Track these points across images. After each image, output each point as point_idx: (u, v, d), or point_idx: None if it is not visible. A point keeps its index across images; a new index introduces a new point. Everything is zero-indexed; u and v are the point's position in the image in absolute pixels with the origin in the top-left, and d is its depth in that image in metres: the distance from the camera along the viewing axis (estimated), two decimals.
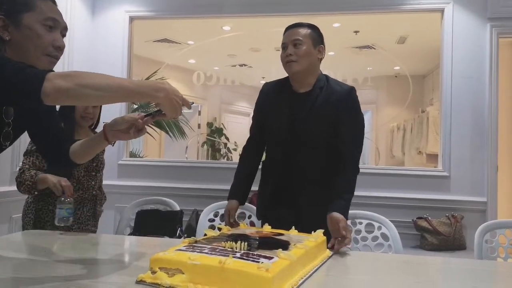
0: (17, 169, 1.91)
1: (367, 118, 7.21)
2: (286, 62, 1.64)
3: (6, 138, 1.14)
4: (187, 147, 3.93)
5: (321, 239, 1.33)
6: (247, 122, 6.73)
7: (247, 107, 7.06)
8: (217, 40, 4.10)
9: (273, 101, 1.73)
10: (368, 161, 5.25)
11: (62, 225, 1.71)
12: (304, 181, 1.66)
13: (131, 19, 3.40)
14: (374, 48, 4.65)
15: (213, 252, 1.04)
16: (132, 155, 3.68)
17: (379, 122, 6.27)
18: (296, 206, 1.65)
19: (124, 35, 3.37)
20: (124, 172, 3.34)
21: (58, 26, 1.09)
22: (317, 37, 1.68)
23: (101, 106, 2.14)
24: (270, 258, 1.01)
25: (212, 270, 0.95)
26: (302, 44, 1.62)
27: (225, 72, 5.47)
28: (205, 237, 1.25)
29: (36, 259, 1.22)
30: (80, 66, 3.25)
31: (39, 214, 1.91)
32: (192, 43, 4.47)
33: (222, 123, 6.60)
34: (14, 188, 1.89)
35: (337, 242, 1.41)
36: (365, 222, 1.99)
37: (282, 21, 3.39)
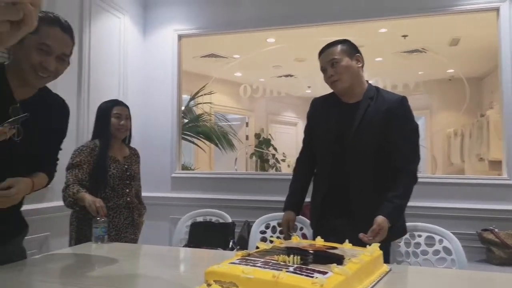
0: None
1: (420, 124, 6.92)
2: (331, 83, 1.70)
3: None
4: (236, 159, 3.98)
5: (377, 253, 1.28)
6: (294, 131, 6.71)
7: (294, 117, 7.04)
8: (262, 53, 4.14)
9: (323, 113, 1.77)
10: (423, 169, 5.01)
11: (99, 243, 1.78)
12: (357, 190, 1.63)
13: (180, 37, 3.53)
14: (425, 52, 4.47)
15: (266, 266, 1.03)
16: (184, 167, 3.79)
17: (434, 128, 5.98)
18: (351, 216, 1.62)
19: (174, 52, 3.50)
20: (177, 184, 3.43)
21: (52, 52, 1.23)
22: (350, 49, 1.71)
23: (130, 119, 2.26)
24: (324, 273, 0.98)
25: (265, 284, 0.94)
26: (339, 61, 1.66)
27: (271, 83, 5.50)
28: (257, 250, 1.25)
29: (93, 272, 1.28)
30: (134, 83, 3.42)
31: (80, 223, 2.09)
32: (238, 56, 4.55)
33: (270, 134, 6.63)
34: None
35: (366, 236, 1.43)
36: (424, 234, 1.89)
37: (326, 30, 3.39)
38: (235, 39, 3.77)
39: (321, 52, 1.74)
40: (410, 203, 2.80)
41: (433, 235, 1.88)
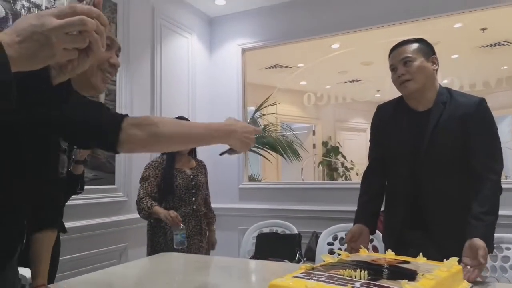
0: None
1: (506, 124, 6.33)
2: (400, 83, 1.53)
3: (63, 166, 1.23)
4: (302, 168, 3.94)
5: (456, 268, 1.15)
6: (364, 138, 6.47)
7: (363, 123, 6.81)
8: (327, 59, 4.08)
9: (391, 123, 1.62)
10: (510, 175, 4.52)
11: (180, 247, 2.08)
12: (435, 203, 1.50)
13: (243, 51, 3.61)
14: (508, 44, 4.07)
15: (331, 281, 0.98)
16: (251, 179, 3.84)
17: None
18: (428, 229, 1.50)
19: (238, 66, 3.59)
20: (244, 195, 3.49)
21: (114, 46, 1.10)
22: (426, 48, 1.55)
23: None
24: None
25: None
26: (413, 60, 1.51)
27: (337, 89, 5.40)
28: (322, 263, 1.21)
29: (162, 283, 1.33)
30: (202, 96, 3.57)
31: (154, 232, 2.30)
32: (302, 65, 4.53)
33: (338, 141, 6.47)
34: None
35: (471, 271, 1.23)
36: None
37: (391, 31, 3.23)
38: (298, 48, 3.76)
39: (393, 49, 1.59)
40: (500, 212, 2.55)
41: None
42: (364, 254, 1.37)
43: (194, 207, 2.32)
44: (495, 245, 1.66)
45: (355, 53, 4.12)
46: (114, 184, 2.69)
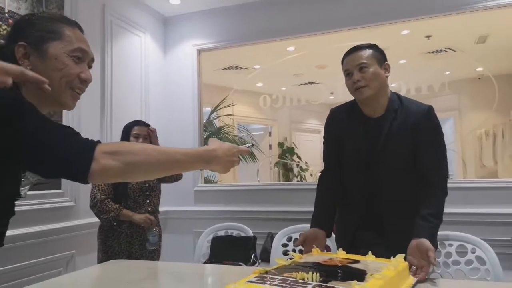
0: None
1: (449, 126, 6.74)
2: (356, 88, 1.55)
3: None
4: (258, 170, 3.96)
5: (402, 265, 1.21)
6: (318, 139, 6.63)
7: (317, 124, 6.98)
8: (283, 62, 4.13)
9: (345, 128, 1.64)
10: (453, 174, 4.81)
11: (153, 248, 2.28)
12: (388, 206, 1.55)
13: (199, 51, 3.57)
14: (451, 51, 4.33)
15: (284, 284, 1.00)
16: (207, 181, 3.80)
17: (464, 129, 5.77)
18: (381, 230, 1.54)
19: (193, 66, 3.54)
20: (200, 198, 3.44)
21: (86, 58, 1.00)
22: (380, 55, 1.58)
23: (153, 137, 2.41)
24: None
25: None
26: (368, 66, 1.53)
27: (293, 91, 5.47)
28: (276, 266, 1.21)
29: None
30: (155, 98, 3.47)
31: (106, 237, 2.30)
32: (258, 67, 4.55)
33: (293, 142, 6.57)
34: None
35: (420, 270, 1.29)
36: (456, 243, 1.80)
37: (344, 36, 3.33)
38: (254, 50, 3.78)
39: (347, 54, 1.60)
40: None
41: (465, 244, 1.78)
42: (316, 254, 1.40)
43: (149, 208, 2.33)
44: (438, 242, 1.77)
45: (310, 57, 4.20)
46: (60, 188, 2.55)
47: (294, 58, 4.06)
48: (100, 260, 2.27)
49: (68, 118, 2.61)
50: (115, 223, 2.25)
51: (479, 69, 4.51)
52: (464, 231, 2.40)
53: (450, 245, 1.80)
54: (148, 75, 3.39)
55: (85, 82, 0.99)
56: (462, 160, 4.40)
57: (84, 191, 2.53)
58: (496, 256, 1.67)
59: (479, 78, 4.65)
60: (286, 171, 5.82)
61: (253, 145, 1.25)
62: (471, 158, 5.22)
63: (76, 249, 2.59)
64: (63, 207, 2.55)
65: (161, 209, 2.60)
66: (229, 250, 2.19)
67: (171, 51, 3.66)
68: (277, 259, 1.27)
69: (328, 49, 3.81)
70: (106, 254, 2.26)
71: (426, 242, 1.33)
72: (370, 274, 1.08)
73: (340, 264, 1.22)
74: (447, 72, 4.72)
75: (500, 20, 3.31)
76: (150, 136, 2.35)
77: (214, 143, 1.10)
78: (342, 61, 1.62)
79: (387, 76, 1.58)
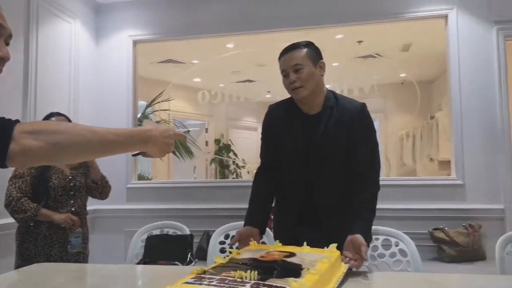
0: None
1: (375, 126, 7.14)
2: (292, 89, 1.59)
3: None
4: (195, 167, 3.91)
5: (335, 256, 1.27)
6: (255, 136, 6.70)
7: (254, 122, 7.05)
8: (222, 58, 4.11)
9: (283, 125, 1.67)
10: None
11: (75, 251, 2.10)
12: (325, 204, 1.61)
13: (135, 43, 3.42)
14: (379, 57, 4.62)
15: (222, 284, 1.00)
16: (141, 177, 3.67)
17: (388, 130, 6.20)
18: (319, 225, 1.59)
19: (128, 58, 3.39)
20: (133, 195, 3.32)
21: (3, 33, 0.90)
22: (315, 54, 1.62)
23: None
24: None
25: None
26: (303, 67, 1.56)
27: (231, 88, 5.47)
28: (214, 265, 1.21)
29: None
30: (86, 90, 3.27)
31: (24, 238, 2.11)
32: (197, 62, 4.48)
33: (230, 139, 6.58)
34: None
35: (352, 262, 1.36)
36: (382, 238, 1.93)
37: (284, 36, 3.40)
38: (193, 44, 3.71)
39: (283, 53, 1.62)
40: None
41: (389, 237, 1.92)
42: (253, 248, 1.41)
43: (73, 209, 2.16)
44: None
45: (248, 55, 4.23)
46: None
47: (233, 55, 4.06)
48: (17, 265, 2.08)
49: None
50: (31, 224, 2.06)
51: (403, 74, 4.87)
52: (388, 225, 2.58)
53: (377, 239, 1.93)
54: (78, 65, 3.18)
55: (2, 60, 0.89)
56: (386, 159, 4.72)
57: (2, 188, 2.31)
58: (416, 249, 1.83)
59: (402, 83, 5.02)
60: (222, 168, 5.81)
61: (188, 131, 1.25)
62: (393, 157, 5.63)
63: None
64: None
65: (89, 207, 2.44)
66: (164, 249, 2.13)
67: (104, 40, 3.46)
68: (215, 257, 1.27)
69: (266, 48, 3.87)
70: (22, 257, 2.08)
71: (359, 238, 1.40)
72: (306, 269, 1.12)
73: (277, 259, 1.25)
74: (375, 76, 5.04)
75: (422, 31, 3.60)
76: None
77: (150, 124, 1.05)
78: (279, 59, 1.64)
79: (322, 75, 1.62)
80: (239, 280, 1.03)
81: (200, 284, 1.01)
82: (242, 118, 7.06)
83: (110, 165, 3.27)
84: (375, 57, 4.70)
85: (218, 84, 5.41)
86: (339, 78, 4.13)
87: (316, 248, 1.33)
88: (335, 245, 1.31)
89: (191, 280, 1.04)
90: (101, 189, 2.26)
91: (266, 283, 1.01)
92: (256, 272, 1.05)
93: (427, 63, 4.84)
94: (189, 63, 4.58)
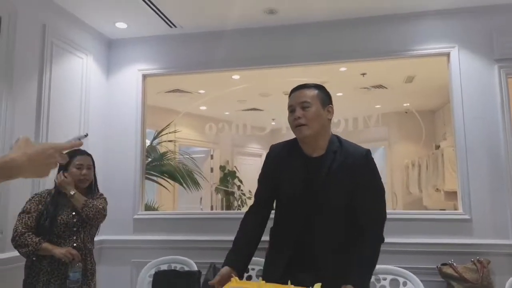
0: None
1: (379, 155, 7.20)
2: (296, 126, 1.57)
3: None
4: (201, 198, 3.93)
5: None
6: (259, 163, 6.73)
7: (258, 148, 7.10)
8: (228, 90, 4.19)
9: (284, 166, 1.63)
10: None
11: (73, 286, 2.04)
12: (324, 248, 1.57)
13: (144, 76, 3.51)
14: (383, 88, 4.70)
15: None
16: (147, 207, 3.69)
17: (393, 158, 6.22)
18: (316, 271, 1.53)
19: (138, 91, 3.46)
20: (139, 226, 3.32)
21: None
22: (325, 97, 1.62)
23: (94, 167, 2.32)
24: None
25: None
26: (311, 106, 1.56)
27: (236, 116, 5.55)
28: None
29: None
30: (96, 124, 3.34)
31: (29, 273, 2.14)
32: (203, 91, 4.57)
33: (235, 166, 6.62)
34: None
35: None
36: (389, 277, 1.93)
37: (289, 71, 3.49)
38: (200, 76, 3.79)
39: (294, 91, 1.63)
40: None
41: (397, 277, 1.92)
42: (235, 285, 1.36)
43: (75, 244, 2.14)
44: (374, 277, 1.88)
45: (254, 86, 4.31)
46: None
47: (239, 87, 4.14)
48: None
49: None
50: (34, 258, 2.08)
51: (406, 104, 4.93)
52: (396, 260, 2.58)
53: (384, 279, 1.93)
54: (89, 98, 3.25)
55: None
56: (393, 193, 4.72)
57: (11, 223, 2.34)
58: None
59: (406, 112, 5.08)
60: (228, 195, 5.83)
61: (87, 135, 1.12)
62: (399, 186, 5.62)
63: (1, 285, 2.37)
64: None
65: (96, 238, 2.44)
66: (172, 285, 2.13)
67: (115, 74, 3.56)
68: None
69: (272, 82, 3.96)
70: None
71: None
72: None
73: None
74: (378, 106, 5.10)
75: (425, 65, 3.68)
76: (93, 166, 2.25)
77: (17, 148, 0.91)
78: (289, 95, 1.64)
79: (329, 119, 1.61)
80: None
81: None
82: (247, 144, 7.12)
83: (117, 195, 3.32)
84: (378, 88, 4.78)
85: (224, 112, 5.49)
86: (342, 107, 4.19)
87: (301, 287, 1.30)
88: (319, 284, 1.27)
89: None
90: (85, 215, 2.17)
91: None
92: None
93: (430, 94, 4.91)
94: (196, 93, 4.67)
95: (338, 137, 1.66)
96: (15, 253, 2.43)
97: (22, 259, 2.22)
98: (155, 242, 3.19)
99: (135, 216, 3.33)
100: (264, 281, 1.37)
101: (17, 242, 2.07)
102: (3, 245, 2.42)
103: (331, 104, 1.64)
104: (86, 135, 1.11)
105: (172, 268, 2.28)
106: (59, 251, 2.05)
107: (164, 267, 2.30)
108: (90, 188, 2.31)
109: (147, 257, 2.50)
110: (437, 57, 3.13)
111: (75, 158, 2.19)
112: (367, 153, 1.60)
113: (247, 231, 1.64)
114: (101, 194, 2.37)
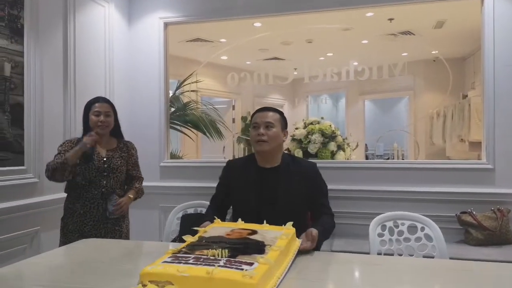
0: None
1: (403, 105, 7.02)
2: (257, 141, 1.84)
3: None
4: (224, 147, 4.00)
5: (291, 232, 1.45)
6: None
7: (280, 99, 7.08)
8: (249, 37, 4.11)
9: (239, 176, 1.90)
10: (407, 155, 5.11)
11: (114, 216, 2.23)
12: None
13: (166, 25, 3.48)
14: (410, 34, 4.50)
15: (199, 262, 1.12)
16: (172, 156, 3.81)
17: (418, 109, 6.09)
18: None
19: (160, 41, 3.46)
20: (166, 173, 3.46)
21: None
22: (284, 122, 1.92)
23: (115, 113, 2.33)
24: (250, 264, 1.11)
25: (201, 281, 1.03)
26: (274, 127, 1.85)
27: (258, 66, 5.49)
28: (185, 244, 1.32)
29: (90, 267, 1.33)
30: (120, 72, 3.39)
31: (65, 214, 2.25)
32: (224, 40, 4.51)
33: None
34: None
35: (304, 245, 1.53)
36: (407, 223, 1.98)
37: (312, 17, 3.38)
38: (221, 24, 3.73)
39: (261, 110, 1.90)
40: (393, 188, 2.89)
41: (415, 223, 1.97)
42: (218, 225, 1.57)
43: (103, 190, 2.21)
44: (392, 222, 1.94)
45: (276, 34, 4.21)
46: (23, 165, 2.49)
47: (261, 35, 4.06)
48: (60, 239, 2.22)
49: (30, 92, 2.51)
50: (65, 175, 2.11)
51: (434, 52, 4.74)
52: (416, 208, 2.64)
53: (403, 224, 1.99)
54: (112, 48, 3.28)
55: None
56: (416, 143, 4.67)
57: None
58: (441, 234, 1.87)
59: (434, 60, 4.89)
60: (249, 145, 5.92)
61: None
62: (422, 136, 5.55)
63: (41, 225, 2.57)
64: (27, 184, 2.50)
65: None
66: (198, 226, 2.25)
67: (136, 23, 3.54)
68: (185, 236, 1.40)
69: (294, 28, 3.85)
70: (62, 231, 2.22)
71: (314, 230, 1.57)
72: (268, 246, 1.27)
73: (241, 237, 1.38)
74: (404, 54, 4.92)
75: (456, 8, 3.48)
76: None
77: None
78: (253, 115, 1.92)
79: (284, 140, 1.93)
80: (212, 258, 1.15)
81: (179, 263, 1.12)
82: (268, 95, 7.09)
83: (144, 144, 3.43)
84: (406, 34, 4.59)
85: (245, 62, 5.44)
86: (366, 55, 4.07)
87: (275, 226, 1.51)
88: (291, 222, 1.52)
89: (169, 260, 1.15)
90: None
91: (237, 259, 1.14)
92: (226, 250, 1.19)
93: (460, 40, 4.69)
94: (217, 42, 4.61)
95: (289, 154, 2.04)
96: (53, 195, 2.62)
97: (60, 201, 2.36)
98: (181, 188, 3.33)
99: (161, 164, 3.46)
100: (243, 221, 1.60)
101: (48, 168, 2.11)
102: (41, 189, 2.59)
103: (287, 128, 1.95)
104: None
105: (198, 212, 2.40)
106: (77, 147, 2.11)
107: (190, 210, 2.41)
108: (115, 135, 2.35)
109: (174, 203, 2.62)
110: (470, 0, 2.96)
111: (93, 105, 2.22)
112: (315, 165, 1.95)
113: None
114: (132, 144, 2.44)
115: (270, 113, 1.88)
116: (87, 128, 2.24)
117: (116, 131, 2.35)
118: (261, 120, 1.86)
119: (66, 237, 2.19)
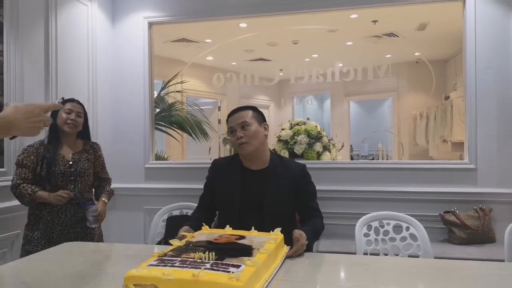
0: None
1: (387, 106, 7.10)
2: (239, 144, 1.76)
3: None
4: (210, 148, 3.98)
5: (280, 238, 1.43)
6: (266, 115, 6.74)
7: (266, 100, 7.08)
8: (235, 37, 4.10)
9: (225, 178, 1.83)
10: (391, 155, 5.17)
11: (95, 226, 2.20)
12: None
13: (150, 24, 3.44)
14: (394, 36, 4.56)
15: (185, 265, 1.09)
16: (158, 157, 3.77)
17: (401, 110, 6.18)
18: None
19: (144, 40, 3.42)
20: (151, 175, 3.42)
21: None
22: (259, 116, 1.83)
23: (86, 116, 2.30)
24: (238, 266, 1.08)
25: (186, 284, 1.01)
26: (250, 125, 1.76)
27: (243, 66, 5.48)
28: (172, 247, 1.30)
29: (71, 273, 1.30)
30: (104, 73, 3.33)
31: (29, 220, 2.19)
32: (210, 41, 4.49)
33: None
34: None
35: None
36: (393, 222, 2.00)
37: (298, 18, 3.38)
38: (206, 24, 3.71)
39: (232, 113, 1.82)
40: (378, 188, 2.92)
41: (400, 223, 1.99)
42: (206, 232, 1.54)
43: (72, 194, 2.16)
44: (378, 222, 1.95)
45: (261, 35, 4.21)
46: (3, 167, 2.42)
47: (246, 36, 4.05)
48: (22, 245, 2.16)
49: (10, 92, 2.45)
50: (33, 206, 2.11)
51: (417, 53, 4.81)
52: (400, 208, 2.67)
53: (388, 224, 2.00)
54: (96, 47, 3.22)
55: None
56: (399, 143, 4.73)
57: None
58: (426, 234, 1.90)
59: (417, 62, 4.96)
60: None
61: (63, 98, 1.22)
62: (406, 137, 5.63)
63: (22, 229, 2.50)
64: (7, 186, 2.42)
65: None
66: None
67: (120, 22, 3.49)
68: (172, 240, 1.37)
69: (280, 29, 3.86)
70: (25, 238, 2.15)
71: (302, 232, 1.53)
72: (256, 249, 1.25)
73: (229, 241, 1.37)
74: (388, 55, 4.98)
75: (439, 11, 3.54)
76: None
77: (11, 107, 1.02)
78: (227, 120, 1.83)
79: (266, 135, 1.83)
80: (199, 261, 1.13)
81: (164, 266, 1.09)
82: (254, 96, 7.07)
83: (128, 146, 3.39)
84: (389, 36, 4.65)
85: (230, 62, 5.41)
86: (351, 56, 4.11)
87: (262, 232, 1.49)
88: (279, 228, 1.48)
89: (154, 263, 1.13)
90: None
91: (224, 262, 1.12)
92: (213, 253, 1.16)
93: (442, 42, 4.77)
94: (202, 42, 4.58)
95: (277, 154, 1.93)
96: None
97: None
98: (166, 190, 3.30)
99: (146, 165, 3.42)
100: (231, 228, 1.56)
101: (15, 194, 2.10)
102: None
103: (265, 122, 1.85)
104: (62, 99, 1.14)
105: (184, 213, 2.37)
106: (53, 196, 2.07)
107: (176, 212, 2.39)
108: (83, 136, 2.31)
109: (159, 205, 2.59)
110: (452, 2, 3.01)
111: (66, 104, 2.16)
112: (304, 167, 1.87)
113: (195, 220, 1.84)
114: (98, 146, 2.40)
115: (242, 113, 1.80)
116: (53, 126, 2.15)
117: (84, 133, 2.31)
118: (235, 123, 1.78)
119: (30, 245, 2.11)
